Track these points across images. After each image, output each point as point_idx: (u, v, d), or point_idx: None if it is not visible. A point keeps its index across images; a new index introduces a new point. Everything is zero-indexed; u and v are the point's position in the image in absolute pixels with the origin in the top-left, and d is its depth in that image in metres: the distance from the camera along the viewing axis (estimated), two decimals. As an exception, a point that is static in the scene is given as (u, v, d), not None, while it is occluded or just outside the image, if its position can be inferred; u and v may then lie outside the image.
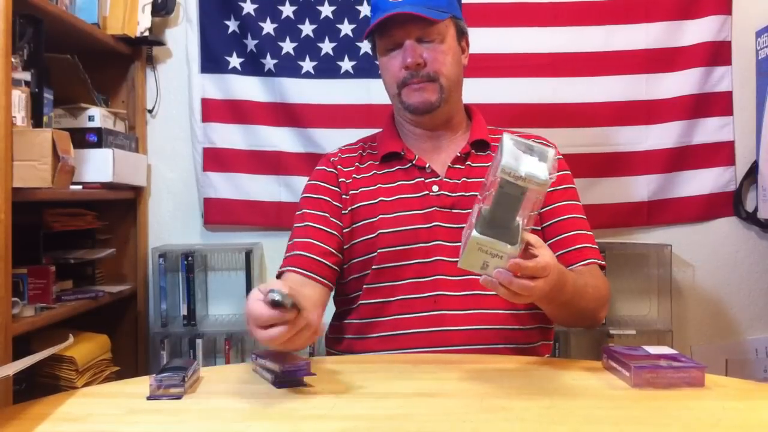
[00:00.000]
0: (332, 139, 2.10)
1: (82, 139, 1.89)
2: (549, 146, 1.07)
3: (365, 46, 2.23)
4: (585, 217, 1.46)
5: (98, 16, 2.05)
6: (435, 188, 1.44)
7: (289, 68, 2.24)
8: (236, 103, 2.26)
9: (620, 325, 2.16)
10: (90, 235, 2.14)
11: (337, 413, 0.99)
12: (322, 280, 1.40)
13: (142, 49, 2.26)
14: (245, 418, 0.98)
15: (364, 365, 1.25)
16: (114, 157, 1.92)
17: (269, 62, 2.23)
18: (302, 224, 1.46)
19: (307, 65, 2.24)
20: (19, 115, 1.54)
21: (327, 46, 2.25)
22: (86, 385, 1.74)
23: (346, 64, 2.25)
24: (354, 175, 1.49)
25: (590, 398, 1.05)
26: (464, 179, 1.44)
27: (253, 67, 2.25)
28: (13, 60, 1.52)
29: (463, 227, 1.34)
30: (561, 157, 1.52)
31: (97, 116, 1.94)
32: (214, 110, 2.26)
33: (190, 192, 2.31)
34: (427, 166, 1.46)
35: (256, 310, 1.03)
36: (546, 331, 1.45)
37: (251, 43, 2.23)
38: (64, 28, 1.84)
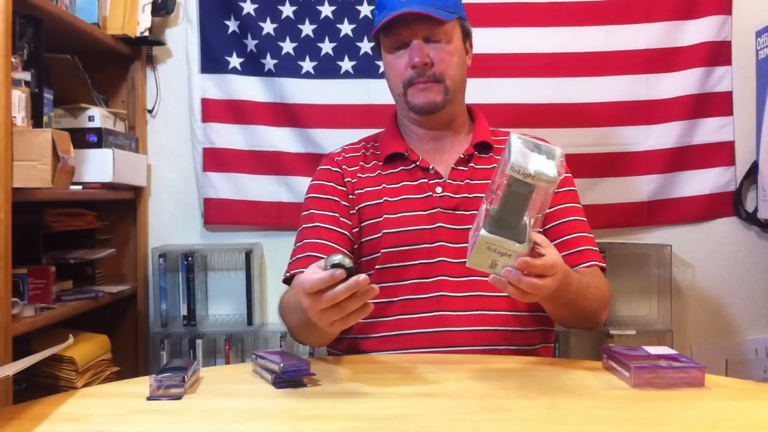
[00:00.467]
0: (332, 139, 2.10)
1: (82, 139, 1.89)
2: (555, 146, 1.07)
3: (365, 46, 2.24)
4: (586, 219, 1.47)
5: (98, 16, 2.05)
6: (438, 189, 1.44)
7: (289, 68, 2.24)
8: (236, 103, 2.25)
9: (620, 325, 2.16)
10: (90, 235, 2.14)
11: (337, 413, 0.99)
12: None
13: (142, 49, 2.26)
14: (245, 418, 0.98)
15: (365, 365, 1.25)
16: (114, 157, 1.92)
17: (269, 62, 2.23)
18: (311, 225, 1.45)
19: (307, 65, 2.24)
20: (19, 115, 1.54)
21: (327, 46, 2.25)
22: (86, 385, 1.74)
23: (346, 64, 2.25)
24: (359, 175, 1.49)
25: (590, 398, 1.05)
26: (467, 181, 1.44)
27: (253, 67, 2.25)
28: (13, 60, 1.52)
29: (466, 229, 1.34)
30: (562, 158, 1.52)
31: (97, 116, 1.94)
32: (214, 110, 2.26)
33: (190, 192, 2.31)
34: (430, 167, 1.46)
35: (309, 276, 1.02)
36: (547, 334, 1.46)
37: (251, 43, 2.23)
38: (64, 28, 1.84)
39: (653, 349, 1.18)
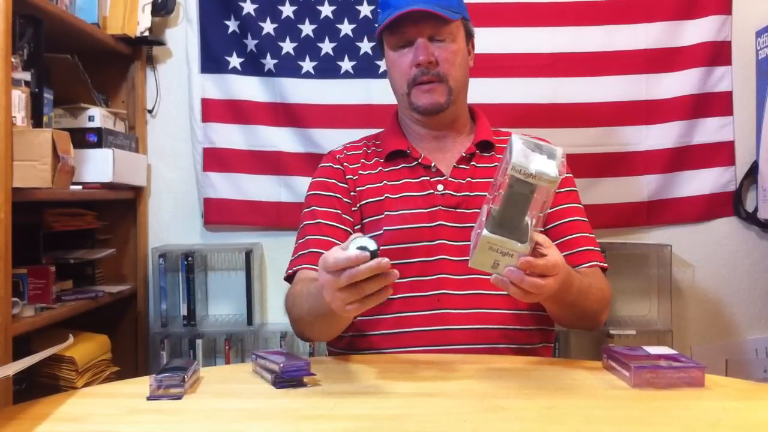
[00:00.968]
0: (332, 139, 2.10)
1: (82, 139, 1.89)
2: (557, 146, 1.07)
3: (365, 46, 2.24)
4: (587, 219, 1.47)
5: (98, 16, 2.04)
6: (440, 187, 1.44)
7: (289, 68, 2.24)
8: (236, 103, 2.25)
9: (620, 325, 2.16)
10: (90, 235, 2.14)
11: (337, 413, 0.99)
12: None
13: (142, 49, 2.26)
14: (245, 418, 0.98)
15: (365, 365, 1.25)
16: (114, 157, 1.92)
17: (269, 62, 2.23)
18: (313, 221, 1.45)
19: (307, 65, 2.24)
20: (19, 115, 1.54)
21: (327, 46, 2.24)
22: (86, 385, 1.74)
23: (346, 64, 2.25)
24: (360, 172, 1.50)
25: (590, 398, 1.05)
26: (469, 179, 1.44)
27: (253, 67, 2.25)
28: (13, 60, 1.52)
29: (467, 227, 1.34)
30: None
31: (97, 116, 1.94)
32: (214, 110, 2.26)
33: (190, 192, 2.31)
34: (432, 165, 1.46)
35: (333, 253, 1.02)
36: (547, 333, 1.46)
37: (251, 43, 2.23)
38: (64, 28, 1.84)
39: (653, 349, 1.18)
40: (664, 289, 2.22)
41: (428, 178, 1.46)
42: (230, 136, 2.26)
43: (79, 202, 2.05)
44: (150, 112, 2.30)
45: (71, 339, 1.41)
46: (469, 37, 1.50)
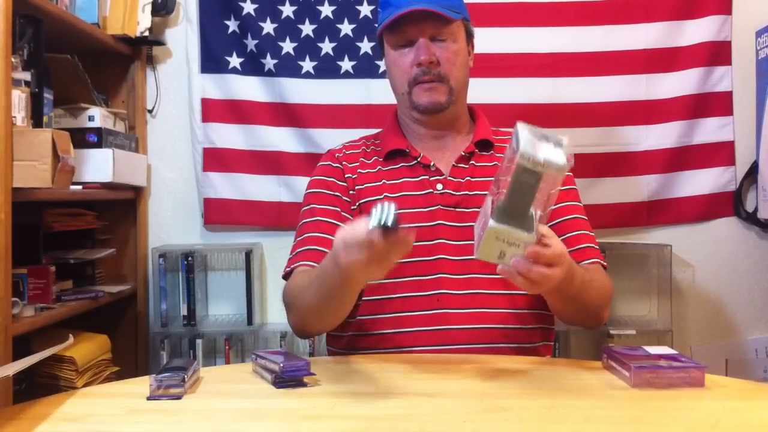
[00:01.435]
0: (332, 139, 2.09)
1: (82, 139, 1.89)
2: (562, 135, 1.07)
3: (365, 46, 2.24)
4: (587, 218, 1.47)
5: (98, 16, 2.04)
6: (439, 186, 1.44)
7: (289, 68, 2.24)
8: (236, 103, 2.25)
9: (620, 325, 2.16)
10: (90, 235, 2.14)
11: (337, 413, 0.99)
12: None
13: (142, 49, 2.26)
14: (245, 418, 0.98)
15: (365, 365, 1.25)
16: (114, 157, 1.92)
17: (269, 62, 2.23)
18: (312, 219, 1.45)
19: (307, 65, 2.24)
20: (19, 115, 1.54)
21: (327, 46, 2.25)
22: (86, 385, 1.74)
23: (346, 64, 2.25)
24: (359, 170, 1.49)
25: (590, 398, 1.05)
26: (468, 178, 1.44)
27: (253, 67, 2.25)
28: (13, 60, 1.52)
29: (466, 226, 1.34)
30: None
31: (97, 116, 1.94)
32: (214, 110, 2.26)
33: (190, 192, 2.31)
34: (431, 164, 1.46)
35: (352, 229, 1.03)
36: (547, 332, 1.46)
37: (251, 43, 2.23)
38: (64, 28, 1.84)
39: (653, 349, 1.18)
40: (664, 289, 2.22)
41: (427, 177, 1.46)
42: (230, 136, 2.26)
43: (79, 202, 2.04)
44: (150, 112, 2.30)
45: (71, 339, 1.41)
46: (470, 37, 1.51)
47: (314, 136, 2.23)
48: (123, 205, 2.23)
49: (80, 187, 1.81)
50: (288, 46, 2.24)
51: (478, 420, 0.94)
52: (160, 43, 2.27)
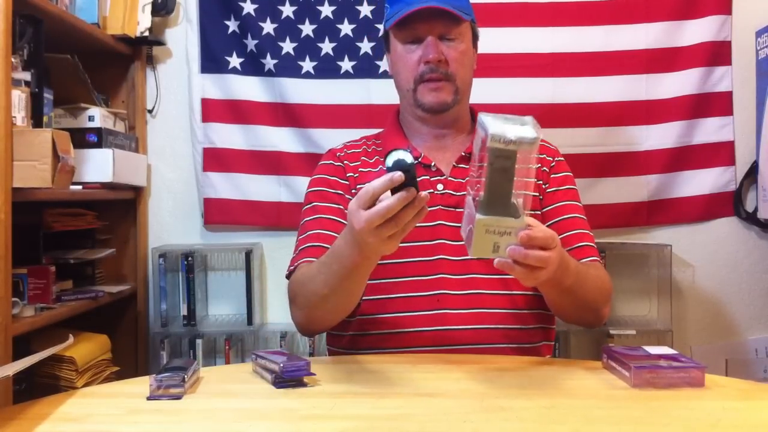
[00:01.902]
0: (332, 139, 2.09)
1: (82, 139, 1.89)
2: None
3: (365, 46, 2.24)
4: (586, 218, 1.47)
5: (98, 16, 2.04)
6: (440, 187, 1.44)
7: (289, 68, 2.24)
8: (236, 103, 2.25)
9: (620, 325, 2.16)
10: (90, 235, 2.14)
11: (337, 413, 0.99)
12: None
13: (142, 49, 2.26)
14: (245, 418, 0.98)
15: (364, 365, 1.25)
16: (114, 157, 1.92)
17: (269, 62, 2.23)
18: (314, 216, 1.44)
19: (307, 65, 2.24)
20: (19, 115, 1.54)
21: (327, 46, 2.24)
22: (86, 385, 1.74)
23: (346, 64, 2.25)
24: (360, 169, 1.49)
25: (590, 398, 1.05)
26: (469, 179, 1.44)
27: (253, 67, 2.25)
28: (13, 60, 1.52)
29: None
30: (563, 158, 1.53)
31: (97, 116, 1.94)
32: (214, 110, 2.26)
33: (190, 192, 2.31)
34: (432, 164, 1.46)
35: (362, 190, 1.02)
36: (547, 332, 1.46)
37: (251, 43, 2.23)
38: (64, 28, 1.84)
39: (653, 349, 1.18)
40: (664, 289, 2.22)
41: (428, 177, 1.46)
42: (230, 136, 2.26)
43: (79, 202, 2.04)
44: (150, 112, 2.30)
45: (71, 339, 1.41)
46: (475, 40, 1.51)
47: (314, 136, 2.23)
48: (123, 205, 2.23)
49: (80, 187, 1.81)
50: (288, 46, 2.24)
51: (478, 420, 0.94)
52: (160, 43, 2.27)
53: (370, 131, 1.63)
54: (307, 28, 2.24)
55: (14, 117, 1.51)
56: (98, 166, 1.89)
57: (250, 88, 2.25)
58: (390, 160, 1.00)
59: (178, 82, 2.30)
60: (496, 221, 1.02)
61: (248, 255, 2.21)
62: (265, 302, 2.32)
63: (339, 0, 2.23)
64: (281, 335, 2.21)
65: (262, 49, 2.23)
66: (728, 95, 2.23)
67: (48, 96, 1.71)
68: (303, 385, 1.10)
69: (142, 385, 1.08)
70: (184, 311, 2.18)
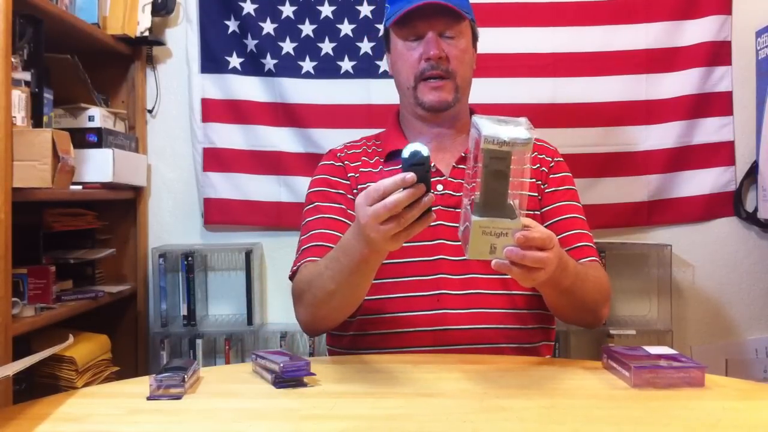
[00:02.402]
0: (332, 139, 2.09)
1: (82, 139, 1.89)
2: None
3: (365, 46, 2.24)
4: (585, 218, 1.47)
5: (98, 16, 2.05)
6: (439, 187, 1.44)
7: (289, 68, 2.24)
8: (236, 103, 2.25)
9: (620, 325, 2.16)
10: (90, 235, 2.14)
11: (337, 413, 0.99)
12: None
13: (142, 49, 2.26)
14: (245, 418, 0.98)
15: (364, 365, 1.25)
16: (114, 157, 1.92)
17: (269, 62, 2.23)
18: (317, 216, 1.44)
19: (307, 65, 2.24)
20: (19, 115, 1.54)
21: (327, 46, 2.25)
22: (86, 385, 1.74)
23: (346, 64, 2.25)
24: (361, 169, 1.49)
25: (590, 398, 1.05)
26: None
27: (253, 67, 2.25)
28: (13, 60, 1.52)
29: None
30: (562, 159, 1.53)
31: (97, 116, 1.94)
32: (214, 110, 2.26)
33: (190, 192, 2.31)
34: (432, 165, 1.46)
35: (375, 185, 1.02)
36: (547, 332, 1.46)
37: (251, 43, 2.23)
38: (64, 28, 1.84)
39: (653, 349, 1.18)
40: (664, 289, 2.22)
41: (428, 178, 1.45)
42: (230, 136, 2.26)
43: (79, 202, 2.05)
44: (150, 112, 2.30)
45: (71, 339, 1.41)
46: (475, 39, 1.51)
47: (314, 136, 2.23)
48: (123, 205, 2.23)
49: (80, 187, 1.81)
50: (288, 46, 2.24)
51: (478, 420, 0.94)
52: (160, 43, 2.27)
53: (370, 131, 1.63)
54: (307, 28, 2.24)
55: (14, 117, 1.51)
56: (98, 166, 1.89)
57: (250, 88, 2.25)
58: (407, 151, 1.01)
59: (178, 82, 2.30)
60: (491, 222, 1.02)
61: (248, 255, 2.22)
62: (265, 302, 2.32)
63: (339, 0, 2.24)
64: (281, 335, 2.21)
65: (262, 49, 2.23)
66: (728, 95, 2.23)
67: (48, 96, 1.71)
68: (303, 385, 1.10)
69: (142, 385, 1.08)
70: (184, 311, 2.18)
